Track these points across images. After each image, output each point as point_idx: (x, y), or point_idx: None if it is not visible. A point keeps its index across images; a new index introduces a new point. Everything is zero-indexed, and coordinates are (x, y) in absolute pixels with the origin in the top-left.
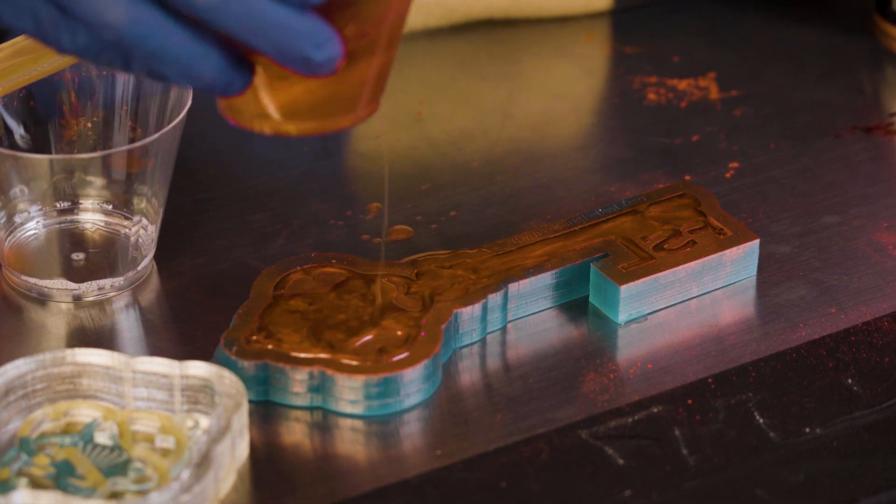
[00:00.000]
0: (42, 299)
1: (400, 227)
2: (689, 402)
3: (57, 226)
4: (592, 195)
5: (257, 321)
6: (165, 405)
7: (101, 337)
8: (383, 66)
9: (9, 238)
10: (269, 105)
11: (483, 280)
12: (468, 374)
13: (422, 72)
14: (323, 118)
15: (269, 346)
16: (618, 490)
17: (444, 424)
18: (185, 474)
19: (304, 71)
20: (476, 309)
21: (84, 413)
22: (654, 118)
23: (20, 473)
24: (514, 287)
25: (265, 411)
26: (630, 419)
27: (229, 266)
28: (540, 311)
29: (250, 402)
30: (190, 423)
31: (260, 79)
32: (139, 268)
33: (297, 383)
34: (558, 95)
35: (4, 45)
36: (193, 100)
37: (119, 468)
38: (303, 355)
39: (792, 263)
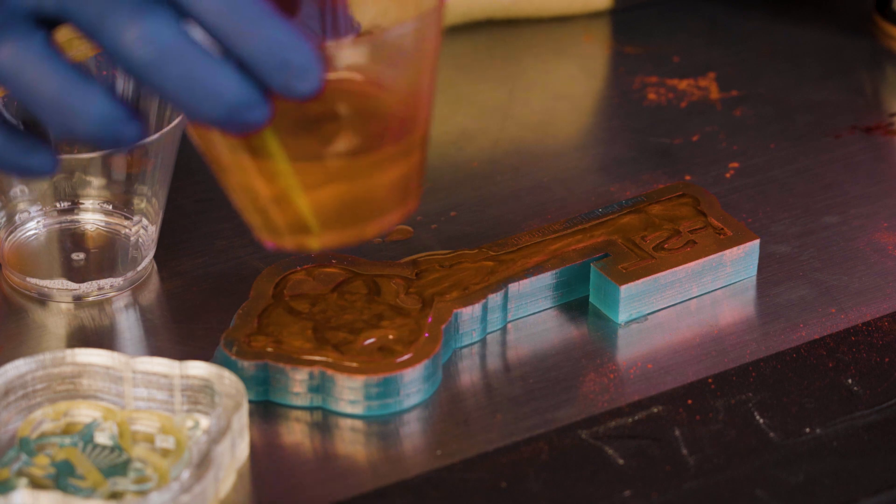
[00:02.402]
0: (42, 299)
1: (400, 227)
2: (689, 402)
3: (57, 226)
4: (592, 195)
5: (257, 321)
6: (165, 405)
7: (101, 337)
8: (420, 162)
9: (9, 238)
10: (304, 217)
11: (484, 279)
12: (468, 374)
13: None
14: (361, 223)
15: (269, 347)
16: (618, 490)
17: (444, 424)
18: (185, 474)
19: (235, 131)
20: (476, 309)
21: (84, 413)
22: (654, 118)
23: (20, 473)
24: (514, 287)
25: (265, 411)
26: (630, 419)
27: (229, 266)
28: (540, 311)
29: (250, 402)
30: (190, 423)
31: (289, 190)
32: (139, 268)
33: (297, 383)
34: (558, 95)
35: None
36: None
37: (119, 468)
38: (303, 356)
39: (792, 263)
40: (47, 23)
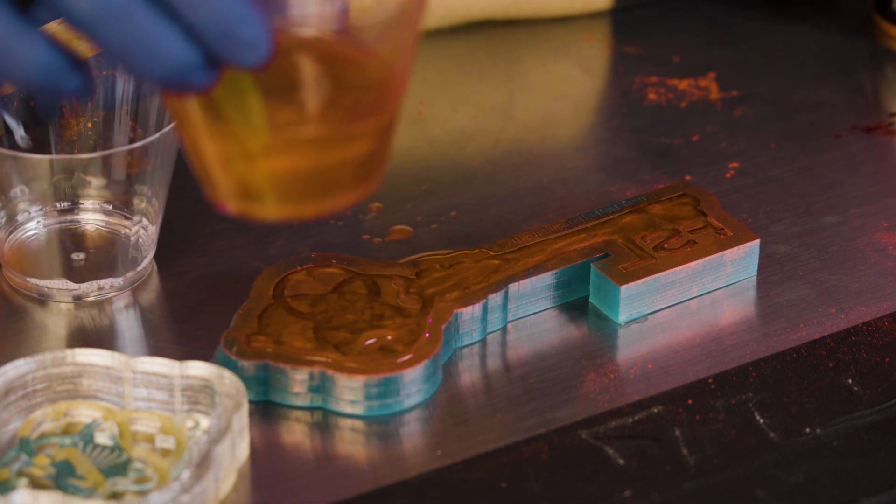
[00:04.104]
0: (42, 299)
1: (400, 227)
2: (689, 402)
3: (57, 226)
4: (592, 195)
5: (257, 321)
6: (165, 405)
7: (101, 337)
8: (388, 142)
9: (9, 238)
10: (261, 185)
11: (484, 279)
12: (468, 374)
13: (422, 72)
14: (320, 198)
15: (269, 347)
16: (618, 490)
17: (444, 424)
18: (185, 474)
19: (180, 92)
20: (476, 309)
21: (84, 413)
22: (654, 118)
23: (20, 473)
24: (514, 287)
25: (265, 411)
26: (630, 419)
27: (229, 266)
28: (540, 311)
29: (250, 402)
30: (190, 423)
31: (250, 156)
32: (139, 268)
33: (298, 383)
34: (558, 95)
35: None
36: None
37: (119, 468)
38: (303, 356)
39: (792, 263)
40: None
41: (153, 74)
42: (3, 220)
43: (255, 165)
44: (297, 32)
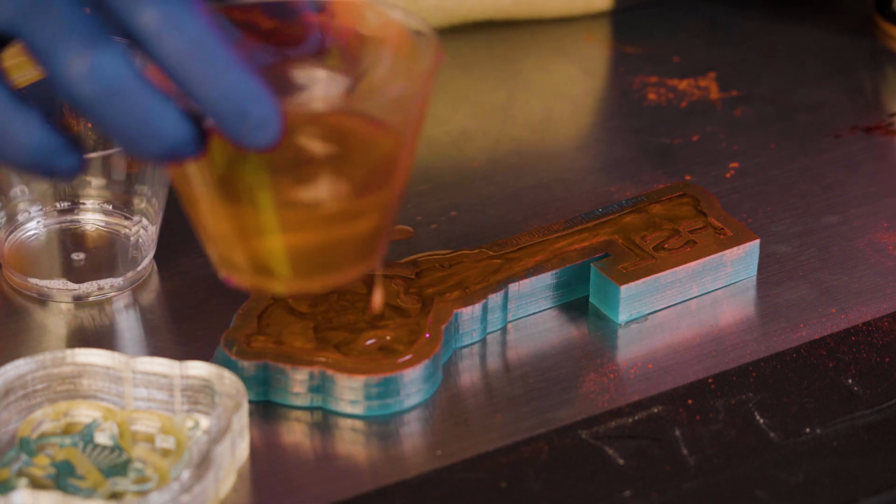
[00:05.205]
0: (42, 299)
1: (400, 227)
2: (689, 402)
3: (57, 226)
4: (592, 195)
5: (257, 321)
6: (165, 405)
7: (101, 337)
8: (394, 216)
9: (9, 238)
10: (275, 261)
11: (484, 280)
12: (468, 374)
13: None
14: (327, 273)
15: (270, 347)
16: (618, 490)
17: (444, 424)
18: (185, 475)
19: (168, 164)
20: (476, 309)
21: (84, 413)
22: (654, 118)
23: (20, 473)
24: (514, 287)
25: (265, 411)
26: (630, 419)
27: None
28: (540, 311)
29: (250, 402)
30: (190, 423)
31: (265, 233)
32: (139, 268)
33: (298, 384)
34: (558, 95)
35: None
36: None
37: (119, 468)
38: (303, 356)
39: (792, 263)
40: None
41: (150, 153)
42: (3, 220)
43: (263, 243)
44: (305, 109)
